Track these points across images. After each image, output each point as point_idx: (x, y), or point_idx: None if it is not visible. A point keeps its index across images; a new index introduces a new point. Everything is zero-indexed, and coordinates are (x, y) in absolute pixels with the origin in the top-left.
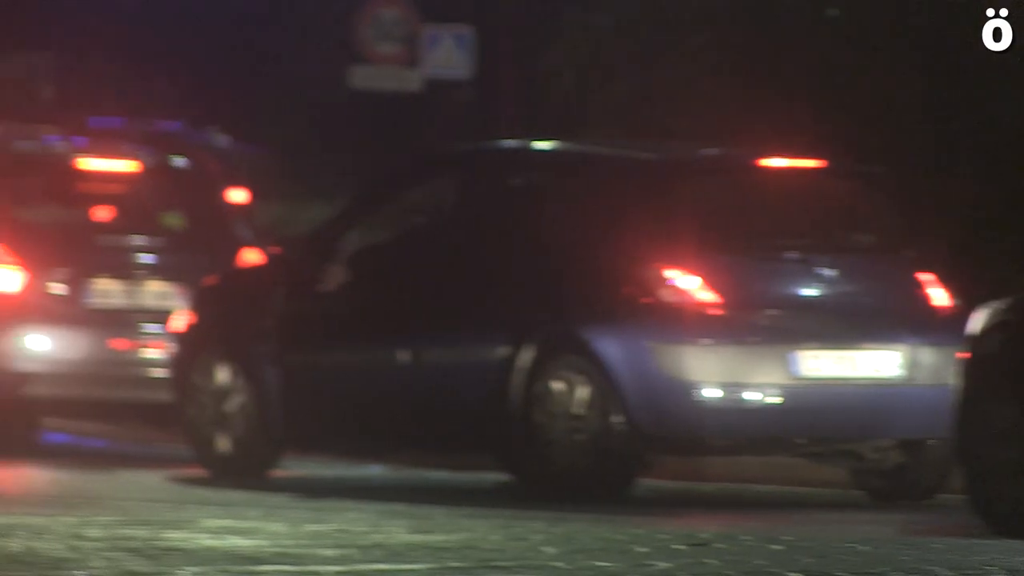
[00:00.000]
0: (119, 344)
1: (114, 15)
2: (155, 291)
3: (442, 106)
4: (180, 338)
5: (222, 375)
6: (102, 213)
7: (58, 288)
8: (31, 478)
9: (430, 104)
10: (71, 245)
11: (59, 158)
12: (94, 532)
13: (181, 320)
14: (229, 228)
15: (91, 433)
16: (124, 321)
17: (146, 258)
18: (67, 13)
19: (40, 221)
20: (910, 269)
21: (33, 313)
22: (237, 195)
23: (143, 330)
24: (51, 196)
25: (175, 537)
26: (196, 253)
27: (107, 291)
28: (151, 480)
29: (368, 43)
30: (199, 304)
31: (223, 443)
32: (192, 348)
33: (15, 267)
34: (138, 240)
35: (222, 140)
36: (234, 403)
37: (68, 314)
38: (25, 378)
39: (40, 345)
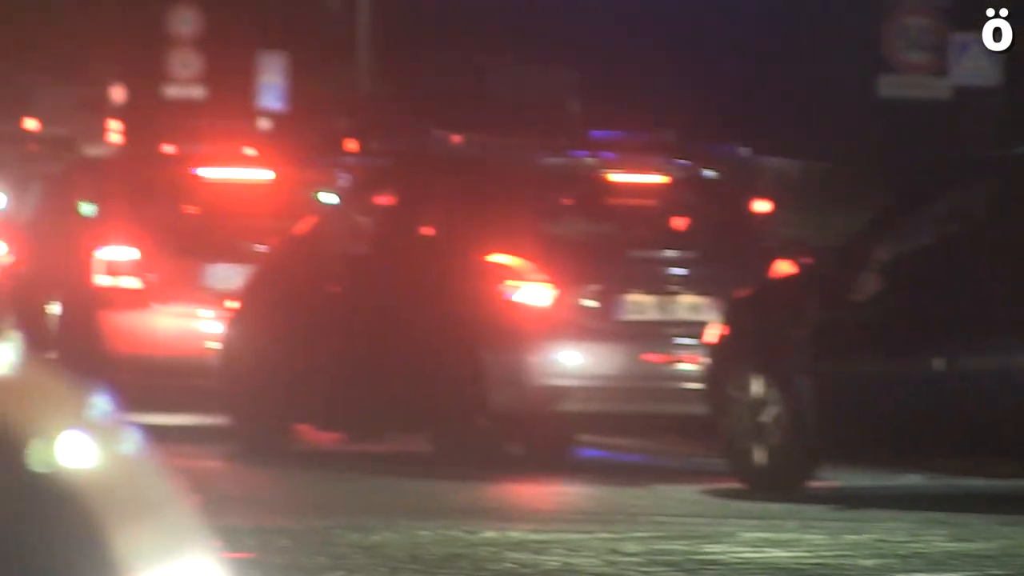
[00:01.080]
0: (653, 358)
1: (636, 31)
2: (687, 304)
3: (970, 113)
4: (713, 350)
5: (756, 386)
6: (632, 227)
7: (590, 303)
8: (566, 494)
9: (954, 111)
10: (602, 259)
11: (588, 172)
12: (631, 547)
13: (714, 332)
14: (756, 239)
15: (626, 448)
16: (657, 335)
17: (677, 271)
18: (593, 30)
19: (570, 236)
20: None
21: (565, 328)
22: (760, 206)
23: (676, 343)
24: (581, 211)
25: (713, 550)
26: (726, 265)
27: (640, 305)
28: (687, 494)
29: (896, 52)
30: (731, 316)
31: (759, 455)
32: (725, 360)
33: (546, 282)
34: (669, 253)
35: (742, 151)
36: (769, 414)
37: (600, 329)
38: (558, 393)
39: (573, 360)
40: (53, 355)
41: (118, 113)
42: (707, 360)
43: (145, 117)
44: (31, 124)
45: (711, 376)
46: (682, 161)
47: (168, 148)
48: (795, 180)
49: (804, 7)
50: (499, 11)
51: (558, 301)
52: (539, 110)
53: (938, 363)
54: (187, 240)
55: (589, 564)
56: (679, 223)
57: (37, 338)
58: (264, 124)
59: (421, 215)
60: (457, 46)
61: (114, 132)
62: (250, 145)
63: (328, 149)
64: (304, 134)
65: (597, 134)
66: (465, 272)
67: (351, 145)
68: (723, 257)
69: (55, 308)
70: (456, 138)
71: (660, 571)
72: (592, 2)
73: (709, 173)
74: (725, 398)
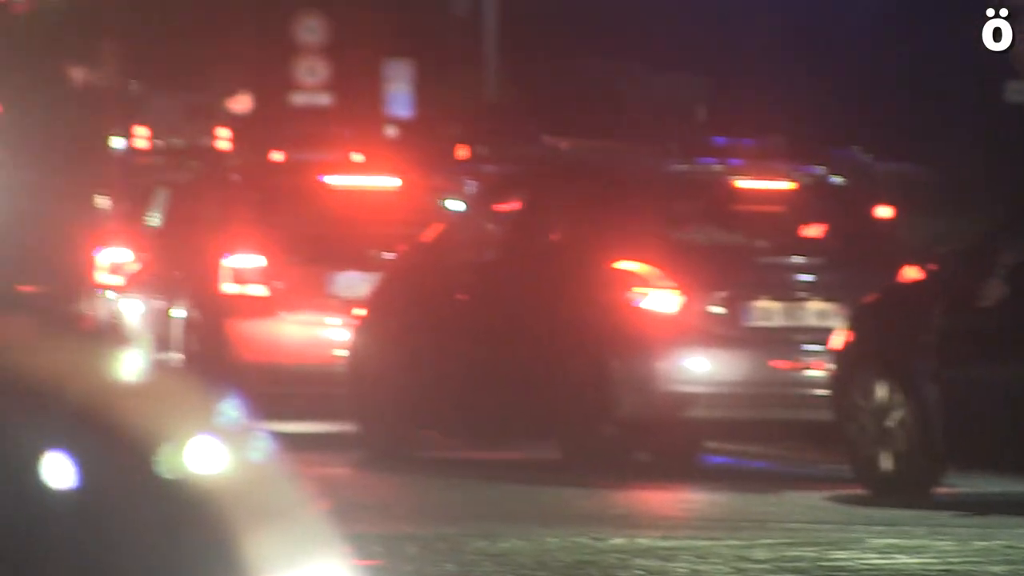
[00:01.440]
0: (780, 364)
1: (765, 38)
2: (815, 310)
3: None
4: (838, 356)
5: (881, 392)
6: (760, 233)
7: (717, 309)
8: (694, 501)
9: None
10: (729, 266)
11: (715, 179)
12: (760, 554)
13: (839, 338)
14: (882, 245)
15: (753, 454)
16: (784, 341)
17: (805, 277)
18: (724, 36)
19: (697, 242)
20: None
21: (692, 335)
22: (883, 212)
23: (804, 350)
24: (708, 217)
25: (841, 557)
26: (852, 271)
27: (767, 311)
28: (814, 500)
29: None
30: (856, 321)
31: (885, 461)
32: (850, 366)
33: (674, 289)
34: (797, 259)
35: (864, 157)
36: (894, 420)
37: (728, 335)
38: (686, 400)
39: (700, 367)
40: (179, 361)
41: (235, 121)
42: (832, 366)
43: (256, 125)
44: (178, 142)
45: (836, 382)
46: (809, 166)
47: (277, 155)
48: (918, 185)
49: (927, 11)
50: (628, 18)
51: (686, 308)
52: (668, 117)
53: None
54: (314, 248)
55: (717, 571)
56: (806, 229)
57: (164, 344)
58: (391, 131)
59: (549, 222)
60: (585, 53)
61: (223, 140)
62: (377, 153)
63: (443, 156)
64: (427, 141)
65: (712, 140)
66: (593, 279)
67: (462, 152)
68: (850, 263)
69: (182, 312)
70: (563, 143)
71: None
72: (720, 9)
73: (836, 178)
74: (850, 404)
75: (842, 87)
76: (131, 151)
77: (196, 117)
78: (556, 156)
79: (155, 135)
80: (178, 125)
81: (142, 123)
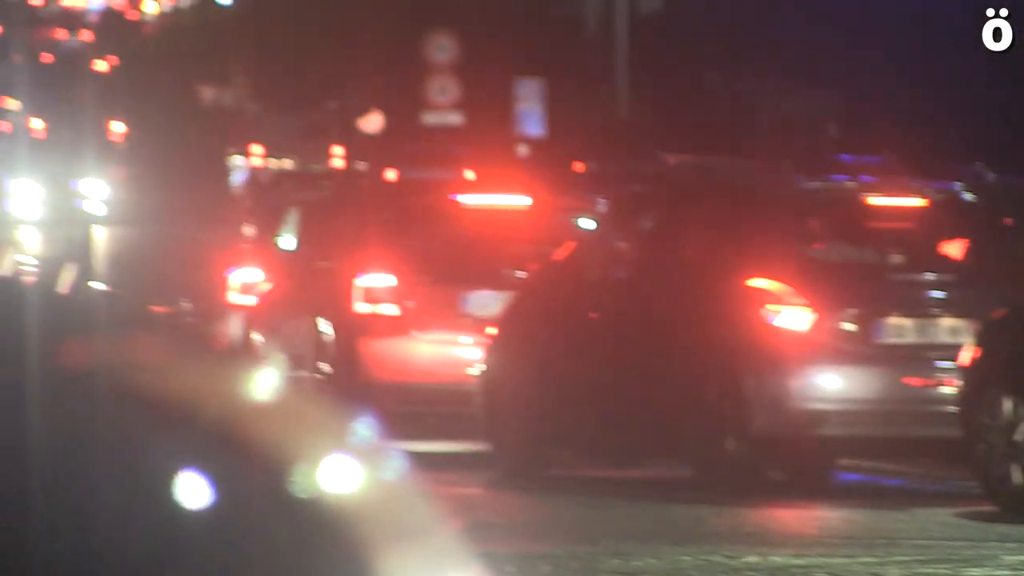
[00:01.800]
0: (913, 381)
1: (895, 54)
2: (947, 326)
3: None
4: (965, 372)
5: (1008, 407)
6: (891, 250)
7: (850, 326)
8: (827, 518)
9: None
10: (861, 283)
11: (846, 195)
12: (894, 571)
13: (966, 354)
14: (1013, 261)
15: (886, 472)
16: (917, 358)
17: (937, 294)
18: (854, 53)
19: (830, 260)
20: None
21: (825, 352)
22: (1010, 227)
23: (936, 366)
24: (840, 234)
25: (975, 574)
26: (984, 287)
27: (899, 328)
28: (946, 517)
29: None
30: (984, 337)
31: (1016, 475)
32: (977, 382)
33: (806, 306)
34: (928, 276)
35: (987, 173)
36: (1022, 434)
37: (860, 352)
38: (818, 417)
39: (832, 384)
40: (313, 380)
41: (350, 140)
42: (960, 382)
43: (372, 144)
44: (290, 163)
45: (963, 398)
46: (941, 183)
47: (391, 174)
48: None
49: None
50: (760, 35)
51: (818, 325)
52: (798, 134)
53: None
54: (446, 267)
55: None
56: (938, 245)
57: (298, 364)
58: (523, 150)
59: (681, 239)
60: (716, 70)
61: (337, 158)
62: (507, 172)
63: (572, 175)
64: (557, 160)
65: (836, 157)
66: (725, 296)
67: (577, 168)
68: (982, 279)
69: (314, 332)
70: (673, 159)
71: None
72: (851, 27)
73: (966, 195)
74: (978, 420)
75: (967, 104)
76: (258, 169)
77: (311, 136)
78: (670, 172)
79: (269, 153)
80: (292, 144)
81: (258, 142)
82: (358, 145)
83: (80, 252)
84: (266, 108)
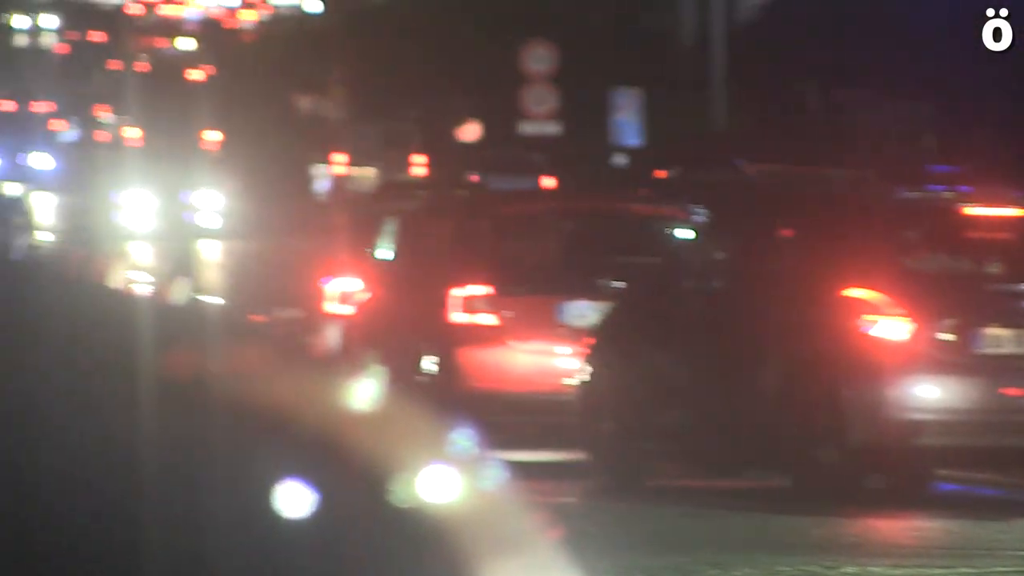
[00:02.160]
0: (1011, 391)
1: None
2: None
3: None
4: None
5: None
6: (989, 260)
7: (947, 336)
8: (925, 529)
9: None
10: (959, 293)
11: (944, 206)
12: None
13: None
14: None
15: (984, 482)
16: (1015, 368)
17: None
18: (946, 62)
19: (927, 270)
20: None
21: (922, 362)
22: None
23: None
24: (937, 244)
25: None
26: None
27: (997, 338)
28: None
29: None
30: None
31: None
32: None
33: (903, 316)
34: None
35: None
36: None
37: (958, 362)
38: (916, 427)
39: (930, 394)
40: (412, 389)
41: (431, 149)
42: None
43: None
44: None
45: None
46: None
47: (481, 183)
48: None
49: None
50: (857, 45)
51: (915, 335)
52: (896, 145)
53: None
54: (543, 277)
55: None
56: None
57: (397, 373)
58: (620, 160)
59: (777, 249)
60: (812, 80)
61: (418, 166)
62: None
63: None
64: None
65: (927, 168)
66: (823, 307)
67: (659, 177)
68: None
69: (412, 342)
70: (751, 168)
71: None
72: (945, 36)
73: None
74: None
75: None
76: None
77: (393, 144)
78: (749, 181)
79: (352, 162)
80: (376, 152)
81: (342, 150)
82: (442, 154)
83: (190, 264)
84: (353, 117)
